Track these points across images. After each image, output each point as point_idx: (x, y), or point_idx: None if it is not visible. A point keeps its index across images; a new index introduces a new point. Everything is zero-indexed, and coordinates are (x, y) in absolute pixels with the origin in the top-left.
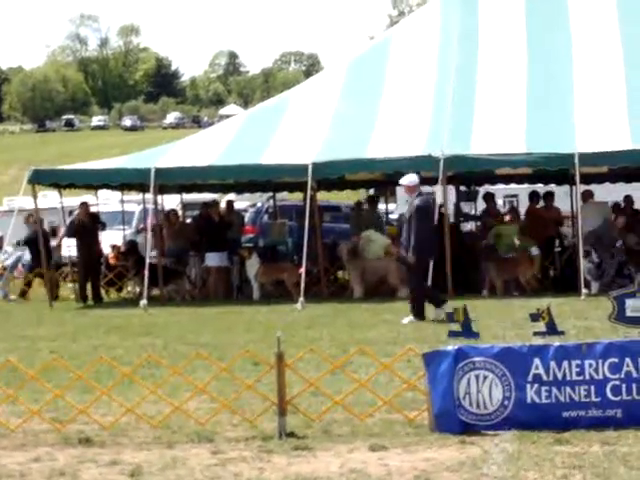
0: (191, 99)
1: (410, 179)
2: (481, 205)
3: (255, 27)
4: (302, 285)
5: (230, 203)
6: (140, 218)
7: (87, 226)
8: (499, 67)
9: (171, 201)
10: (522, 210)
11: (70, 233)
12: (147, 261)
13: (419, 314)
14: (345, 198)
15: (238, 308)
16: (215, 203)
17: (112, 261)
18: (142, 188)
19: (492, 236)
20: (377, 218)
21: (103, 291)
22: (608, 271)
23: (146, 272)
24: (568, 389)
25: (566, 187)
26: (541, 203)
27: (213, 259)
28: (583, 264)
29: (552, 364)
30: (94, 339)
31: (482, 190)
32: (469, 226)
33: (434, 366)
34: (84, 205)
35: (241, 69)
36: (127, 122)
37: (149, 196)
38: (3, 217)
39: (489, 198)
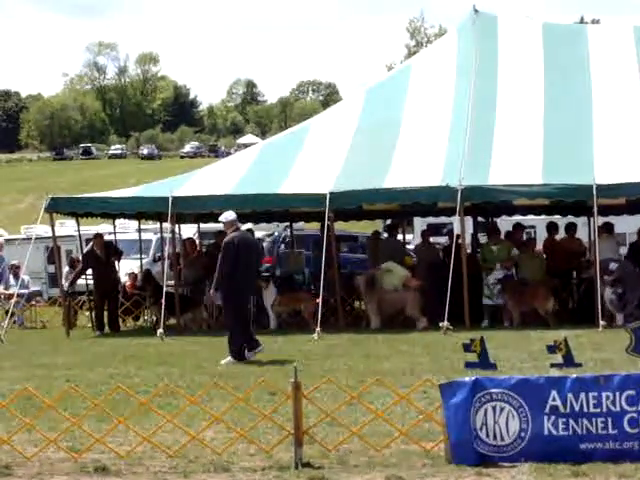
0: (209, 128)
1: (226, 215)
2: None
3: (273, 56)
4: (319, 315)
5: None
6: (157, 247)
7: (101, 258)
8: (517, 98)
9: (188, 230)
10: (540, 242)
11: (85, 266)
12: (164, 290)
13: (238, 354)
14: (362, 228)
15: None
16: None
17: (129, 289)
18: (159, 217)
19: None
20: (396, 246)
21: (120, 320)
22: (632, 302)
23: (163, 301)
24: (585, 421)
25: (584, 218)
26: (562, 234)
27: None
28: (606, 294)
29: (569, 396)
30: (111, 368)
31: (499, 221)
32: None
33: (451, 397)
34: (98, 237)
35: (259, 98)
36: (144, 151)
37: (166, 225)
38: (21, 245)
39: (518, 228)
